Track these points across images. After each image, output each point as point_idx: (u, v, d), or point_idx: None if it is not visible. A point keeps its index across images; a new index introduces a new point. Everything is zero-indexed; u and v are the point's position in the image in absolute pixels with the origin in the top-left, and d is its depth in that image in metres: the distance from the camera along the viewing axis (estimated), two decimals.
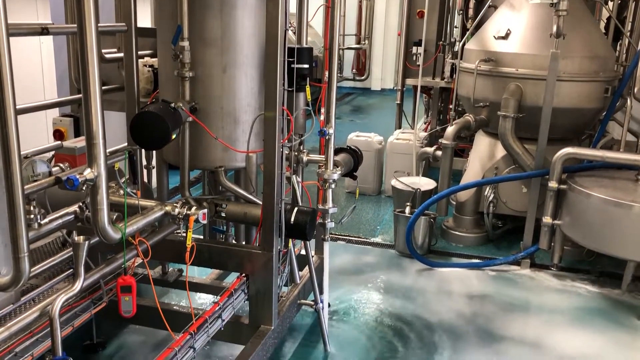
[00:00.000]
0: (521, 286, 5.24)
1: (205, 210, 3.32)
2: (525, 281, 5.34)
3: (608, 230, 4.79)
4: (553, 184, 5.20)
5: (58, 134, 4.45)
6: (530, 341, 4.36)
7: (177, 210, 3.29)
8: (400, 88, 8.60)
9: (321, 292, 4.23)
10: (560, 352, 4.24)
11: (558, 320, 4.70)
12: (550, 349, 4.27)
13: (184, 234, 3.52)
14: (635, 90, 5.77)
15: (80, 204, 3.23)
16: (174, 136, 3.23)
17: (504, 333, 4.46)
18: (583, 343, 4.37)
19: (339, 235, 6.18)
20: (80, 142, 3.68)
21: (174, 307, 3.93)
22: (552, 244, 5.38)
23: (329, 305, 4.57)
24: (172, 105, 3.32)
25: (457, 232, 6.18)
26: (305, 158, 4.10)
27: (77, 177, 2.50)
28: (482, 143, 6.31)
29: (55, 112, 5.09)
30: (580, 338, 4.44)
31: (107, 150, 2.65)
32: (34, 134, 5.33)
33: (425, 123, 9.20)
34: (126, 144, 3.93)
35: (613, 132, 6.59)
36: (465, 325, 4.55)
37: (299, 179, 4.13)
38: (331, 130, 3.88)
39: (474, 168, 6.27)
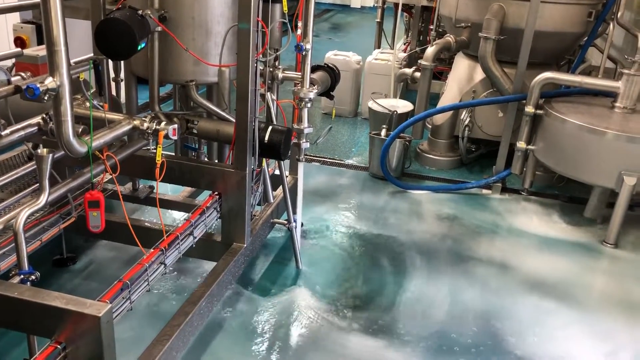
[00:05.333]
0: (491, 209, 5.33)
1: (176, 126, 3.21)
2: (496, 205, 5.42)
3: (581, 156, 4.83)
4: (530, 109, 5.18)
5: (19, 42, 4.21)
6: (497, 262, 4.47)
7: (145, 124, 3.17)
8: (381, 5, 8.31)
9: (294, 212, 4.22)
10: (526, 272, 4.36)
11: (525, 242, 4.82)
12: (517, 269, 4.39)
13: (154, 151, 3.43)
14: (619, 15, 5.67)
15: (44, 115, 3.10)
16: (141, 46, 3.06)
17: (472, 254, 4.56)
18: (548, 265, 4.49)
19: (313, 156, 6.14)
20: (43, 51, 3.48)
21: (145, 224, 3.89)
22: (524, 169, 5.44)
23: (302, 225, 4.59)
24: (140, 12, 3.13)
25: (431, 156, 6.19)
26: (280, 75, 3.96)
27: (38, 86, 2.36)
28: (461, 65, 6.21)
29: (15, 18, 4.79)
30: (546, 260, 4.57)
31: (73, 60, 2.51)
32: None
33: (405, 44, 9.00)
34: (92, 54, 3.74)
35: (591, 59, 6.52)
36: (435, 246, 4.64)
37: (274, 97, 4.01)
38: (308, 46, 3.73)
39: (451, 91, 6.19)
